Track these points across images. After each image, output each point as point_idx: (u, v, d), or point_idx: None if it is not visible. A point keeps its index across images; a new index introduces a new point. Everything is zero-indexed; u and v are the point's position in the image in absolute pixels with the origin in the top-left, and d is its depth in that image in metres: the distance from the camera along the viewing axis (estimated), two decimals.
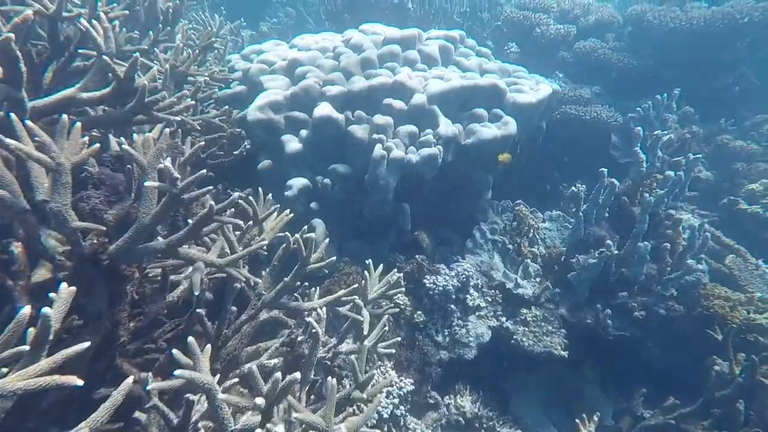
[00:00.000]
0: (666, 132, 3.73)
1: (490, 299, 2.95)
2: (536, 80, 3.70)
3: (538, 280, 3.10)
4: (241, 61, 3.64)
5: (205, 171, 1.45)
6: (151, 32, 2.45)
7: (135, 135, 1.60)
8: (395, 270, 2.37)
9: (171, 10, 2.77)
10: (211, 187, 1.52)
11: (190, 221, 1.49)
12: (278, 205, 2.20)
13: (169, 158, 1.42)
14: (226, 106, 2.79)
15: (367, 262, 2.31)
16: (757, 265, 3.43)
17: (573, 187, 3.19)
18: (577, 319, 2.88)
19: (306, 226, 2.15)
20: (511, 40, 5.50)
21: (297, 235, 1.76)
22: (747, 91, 5.24)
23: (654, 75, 4.91)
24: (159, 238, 1.51)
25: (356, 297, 2.00)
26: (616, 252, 2.89)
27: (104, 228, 1.41)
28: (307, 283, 2.35)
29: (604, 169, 2.99)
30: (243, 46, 4.16)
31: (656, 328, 2.81)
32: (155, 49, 2.47)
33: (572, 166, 4.26)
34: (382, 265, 2.33)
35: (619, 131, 4.49)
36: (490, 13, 5.89)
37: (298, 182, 2.93)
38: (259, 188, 2.21)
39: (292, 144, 2.93)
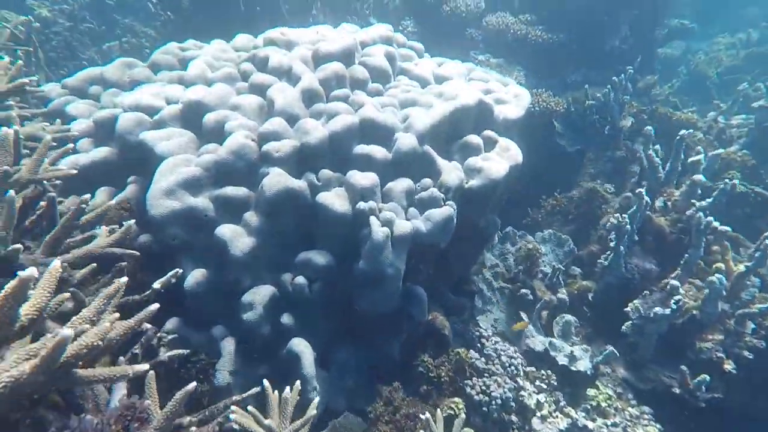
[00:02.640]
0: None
1: (545, 385, 2.24)
2: (495, 77, 3.00)
3: (578, 337, 2.46)
4: (80, 104, 2.41)
5: None
6: None
7: None
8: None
9: None
10: None
11: None
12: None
13: None
14: (129, 223, 1.63)
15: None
16: None
17: (612, 219, 2.56)
18: (649, 385, 2.29)
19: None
20: (406, 17, 4.73)
21: None
22: None
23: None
24: None
25: None
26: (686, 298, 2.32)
27: None
28: None
29: (641, 190, 2.41)
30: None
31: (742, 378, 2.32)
32: None
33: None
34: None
35: (562, 117, 4.04)
36: None
37: (260, 295, 1.92)
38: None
39: (241, 241, 1.88)
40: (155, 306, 1.21)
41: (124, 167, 2.19)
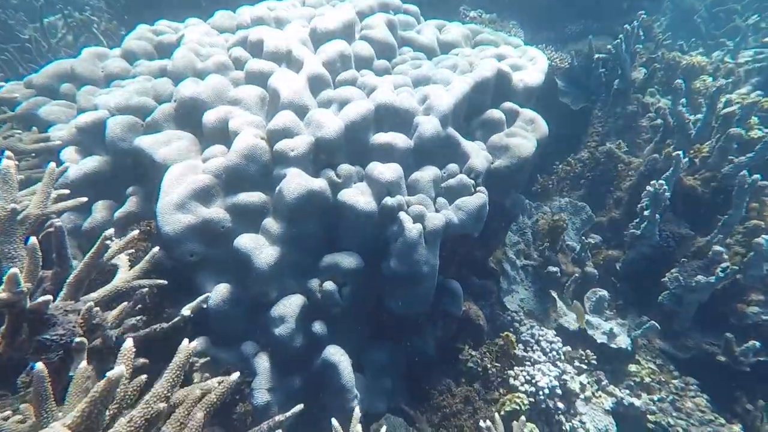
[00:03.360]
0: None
1: (585, 365, 2.18)
2: (503, 38, 2.80)
3: (611, 311, 2.39)
4: (54, 107, 2.19)
5: None
6: None
7: None
8: None
9: None
10: None
11: None
12: None
13: None
14: (153, 251, 1.46)
15: None
16: None
17: (649, 187, 2.42)
18: (689, 354, 2.24)
19: None
20: None
21: None
22: None
23: None
24: None
25: None
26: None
27: None
28: None
29: (676, 151, 2.28)
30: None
31: None
32: None
33: None
34: None
35: (564, 73, 3.86)
36: None
37: (291, 307, 1.78)
38: None
39: (265, 252, 1.73)
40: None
41: (118, 176, 2.00)
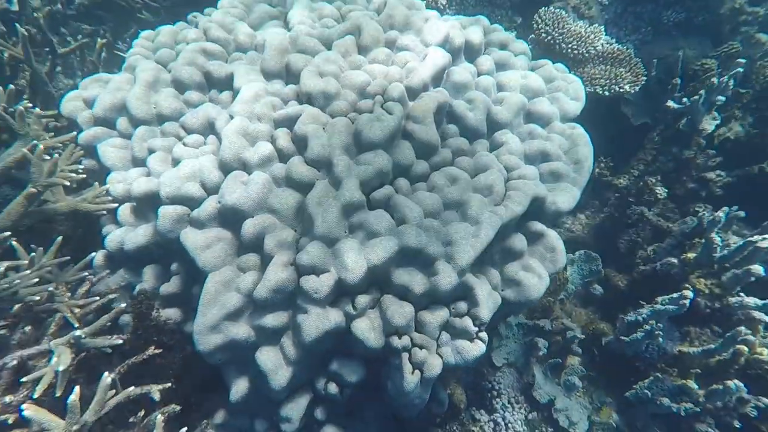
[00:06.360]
0: None
1: None
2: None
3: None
4: (111, 149, 2.39)
5: None
6: None
7: None
8: None
9: None
10: None
11: None
12: None
13: None
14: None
15: None
16: None
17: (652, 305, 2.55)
18: None
19: None
20: None
21: None
22: None
23: None
24: None
25: None
26: None
27: None
28: None
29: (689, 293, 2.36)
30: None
31: None
32: None
33: None
34: None
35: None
36: None
37: (297, 409, 2.16)
38: None
39: (281, 374, 2.03)
40: None
41: (164, 246, 2.24)
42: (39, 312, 1.86)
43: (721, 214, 2.62)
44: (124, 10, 3.96)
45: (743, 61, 3.32)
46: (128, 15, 3.99)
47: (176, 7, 3.99)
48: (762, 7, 3.98)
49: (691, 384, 2.48)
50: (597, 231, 3.78)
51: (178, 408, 1.96)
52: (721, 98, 3.19)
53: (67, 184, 2.00)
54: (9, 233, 1.78)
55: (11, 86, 2.13)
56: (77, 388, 1.50)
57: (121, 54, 3.63)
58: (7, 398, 1.59)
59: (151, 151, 2.33)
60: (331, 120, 2.27)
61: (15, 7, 2.65)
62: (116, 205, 2.28)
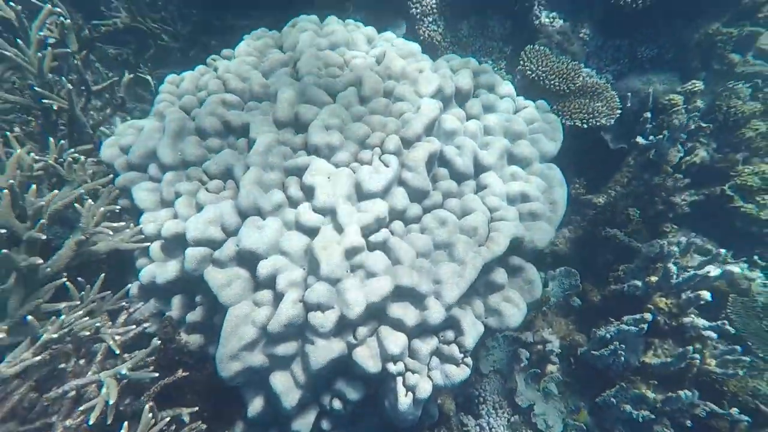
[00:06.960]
0: None
1: None
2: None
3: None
4: (143, 193, 2.70)
5: None
6: None
7: None
8: None
9: None
10: None
11: None
12: None
13: None
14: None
15: None
16: None
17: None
18: None
19: None
20: None
21: None
22: None
23: None
24: None
25: None
26: None
27: None
28: None
29: (648, 318, 2.71)
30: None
31: None
32: None
33: None
34: None
35: None
36: None
37: (306, 424, 2.48)
38: None
39: (291, 396, 2.37)
40: None
41: (191, 280, 2.55)
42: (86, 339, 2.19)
43: (675, 248, 2.98)
44: (146, 34, 4.24)
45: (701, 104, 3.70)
46: (150, 37, 4.26)
47: (195, 35, 4.27)
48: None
49: (649, 393, 2.84)
50: (577, 245, 4.11)
51: (203, 426, 2.29)
52: (683, 136, 3.53)
53: (111, 234, 2.31)
54: (65, 278, 2.09)
55: (62, 142, 2.45)
56: (126, 424, 1.83)
57: (142, 76, 3.97)
58: (68, 422, 1.92)
59: (177, 195, 2.64)
60: (335, 170, 2.57)
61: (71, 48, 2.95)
62: (148, 244, 2.58)
